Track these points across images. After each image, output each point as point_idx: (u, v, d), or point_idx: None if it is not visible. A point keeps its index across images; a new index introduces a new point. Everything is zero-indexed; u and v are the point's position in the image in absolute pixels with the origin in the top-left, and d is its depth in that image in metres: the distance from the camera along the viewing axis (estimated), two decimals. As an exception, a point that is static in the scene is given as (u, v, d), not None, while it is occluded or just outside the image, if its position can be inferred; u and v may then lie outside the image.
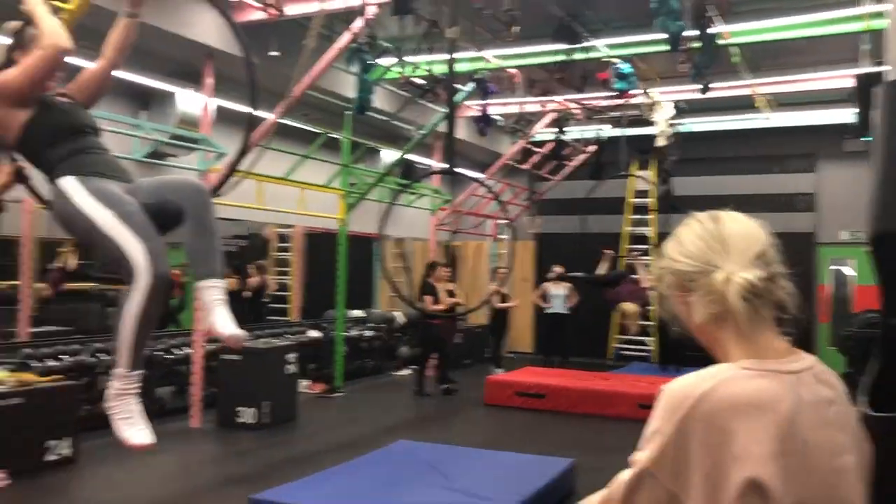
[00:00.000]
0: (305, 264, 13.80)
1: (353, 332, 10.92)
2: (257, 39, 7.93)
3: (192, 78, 8.39)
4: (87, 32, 4.78)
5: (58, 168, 2.51)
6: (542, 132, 11.67)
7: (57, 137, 2.56)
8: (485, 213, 13.03)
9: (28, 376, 6.00)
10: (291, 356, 7.93)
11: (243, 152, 2.70)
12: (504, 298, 11.63)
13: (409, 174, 11.52)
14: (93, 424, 6.75)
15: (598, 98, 10.00)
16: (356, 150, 9.89)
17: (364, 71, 6.78)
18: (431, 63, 6.92)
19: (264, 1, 5.42)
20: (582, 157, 12.52)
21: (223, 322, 2.38)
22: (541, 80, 9.69)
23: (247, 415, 7.40)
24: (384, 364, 11.54)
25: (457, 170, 5.24)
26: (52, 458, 5.77)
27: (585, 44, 7.69)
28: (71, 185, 2.45)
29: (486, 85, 8.39)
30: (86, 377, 6.96)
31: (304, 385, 9.24)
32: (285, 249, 13.34)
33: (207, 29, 7.38)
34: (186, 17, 7.16)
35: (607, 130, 12.10)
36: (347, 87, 9.17)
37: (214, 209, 2.52)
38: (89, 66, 2.85)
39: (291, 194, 9.05)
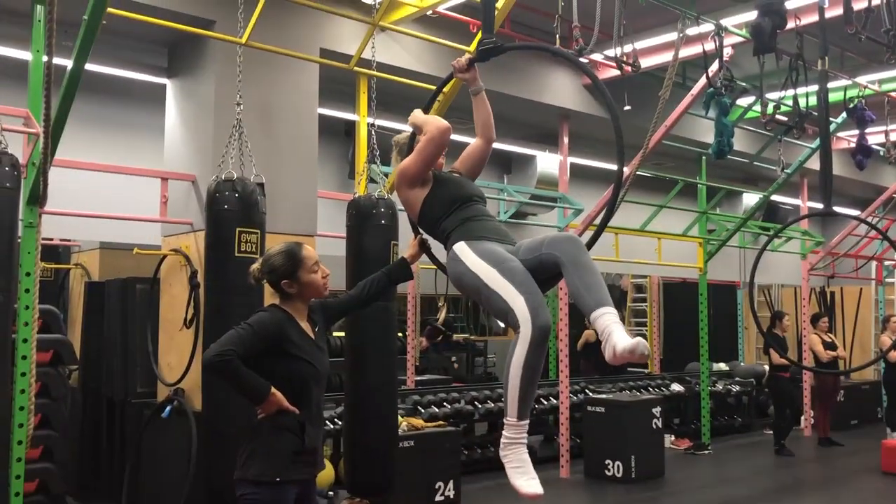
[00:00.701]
0: (663, 315, 13.52)
1: (719, 387, 10.36)
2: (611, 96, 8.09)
3: (548, 140, 8.83)
4: (456, 110, 5.29)
5: (452, 235, 2.80)
6: (936, 159, 10.15)
7: (449, 208, 2.87)
8: (867, 255, 11.63)
9: (417, 421, 6.64)
10: (657, 410, 7.75)
11: (612, 210, 2.73)
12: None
13: (774, 216, 10.77)
14: (470, 469, 7.27)
15: None
16: (714, 194, 9.52)
17: (722, 114, 6.52)
18: (796, 97, 6.43)
19: (621, 59, 5.50)
20: None
21: (623, 339, 2.29)
22: (931, 100, 8.50)
23: (614, 468, 7.37)
24: (754, 421, 10.75)
25: (836, 209, 4.75)
26: (439, 498, 6.28)
27: None
28: (462, 250, 2.71)
29: (863, 113, 7.55)
30: (464, 423, 7.50)
31: (668, 440, 8.96)
32: (641, 300, 13.21)
33: (561, 92, 7.74)
34: (542, 83, 7.58)
35: None
36: (701, 131, 8.92)
37: (588, 254, 2.58)
38: (468, 141, 3.17)
39: (648, 244, 8.98)
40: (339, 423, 6.58)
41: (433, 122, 2.93)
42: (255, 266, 3.02)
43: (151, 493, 5.21)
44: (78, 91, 4.11)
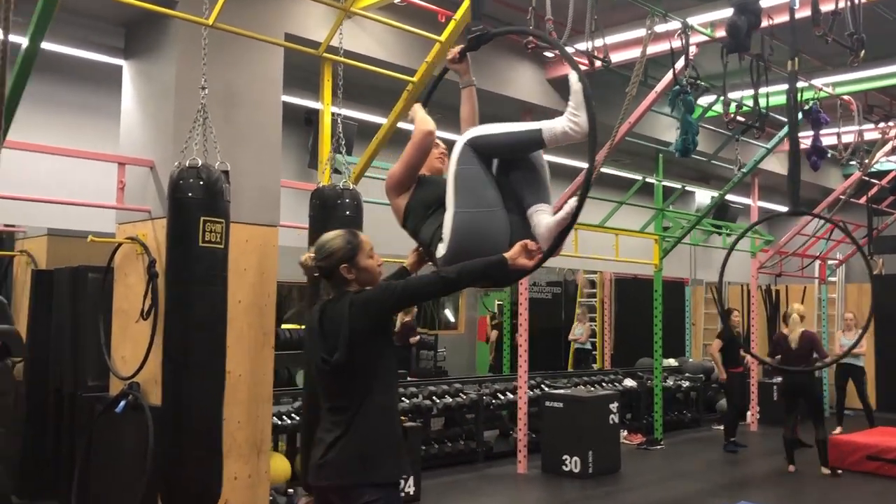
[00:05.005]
0: (614, 310, 13.67)
1: (669, 382, 10.50)
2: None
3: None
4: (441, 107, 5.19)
5: (433, 243, 2.74)
6: (883, 162, 10.46)
7: (426, 213, 2.80)
8: (812, 254, 11.93)
9: (377, 417, 6.52)
10: (614, 406, 7.80)
11: (581, 204, 2.63)
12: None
13: (724, 214, 10.94)
14: (428, 465, 7.20)
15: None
16: (671, 192, 9.62)
17: (688, 112, 6.56)
18: (756, 97, 6.51)
19: (593, 54, 5.47)
20: (933, 187, 10.97)
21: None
22: (880, 104, 8.74)
23: (572, 463, 7.39)
24: (703, 416, 10.94)
25: (804, 211, 4.81)
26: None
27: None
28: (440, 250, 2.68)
29: (818, 115, 7.69)
30: (422, 419, 7.42)
31: (622, 435, 9.04)
32: (593, 295, 13.32)
33: (525, 86, 7.68)
34: (505, 76, 7.52)
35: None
36: (660, 129, 8.99)
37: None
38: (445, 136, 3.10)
39: (605, 240, 9.03)
40: (297, 417, 6.45)
41: (416, 125, 2.86)
42: (308, 254, 2.81)
43: (103, 492, 4.98)
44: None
